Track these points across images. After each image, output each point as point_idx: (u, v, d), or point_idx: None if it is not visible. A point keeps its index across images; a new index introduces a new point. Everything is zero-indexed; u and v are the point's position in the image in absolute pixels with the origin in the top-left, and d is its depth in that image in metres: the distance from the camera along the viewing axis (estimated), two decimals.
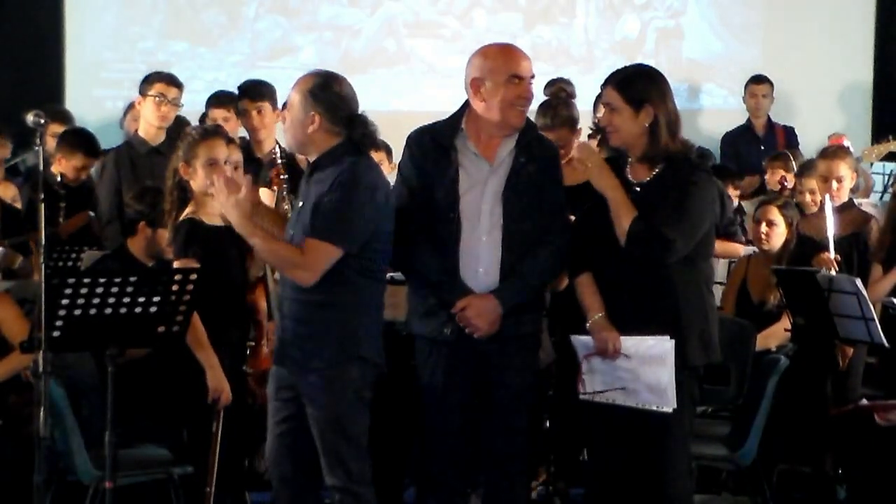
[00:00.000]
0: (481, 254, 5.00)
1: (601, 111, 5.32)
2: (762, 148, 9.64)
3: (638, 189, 4.94)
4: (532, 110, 5.30)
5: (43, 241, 4.64)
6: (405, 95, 10.18)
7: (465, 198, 5.01)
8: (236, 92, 7.46)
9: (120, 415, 4.84)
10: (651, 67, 5.16)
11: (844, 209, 6.90)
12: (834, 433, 6.28)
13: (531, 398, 5.16)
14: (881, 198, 8.19)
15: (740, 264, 6.96)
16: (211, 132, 5.95)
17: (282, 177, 5.92)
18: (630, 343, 4.89)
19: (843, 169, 7.00)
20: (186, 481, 5.64)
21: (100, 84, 10.25)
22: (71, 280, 4.67)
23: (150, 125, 7.37)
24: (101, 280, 4.68)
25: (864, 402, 6.17)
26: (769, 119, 9.92)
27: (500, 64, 5.01)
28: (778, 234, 6.68)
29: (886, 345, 5.69)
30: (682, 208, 4.85)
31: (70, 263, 6.87)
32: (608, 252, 4.91)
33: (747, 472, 6.03)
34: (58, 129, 7.77)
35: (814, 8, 10.51)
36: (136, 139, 7.42)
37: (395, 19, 10.42)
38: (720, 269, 7.09)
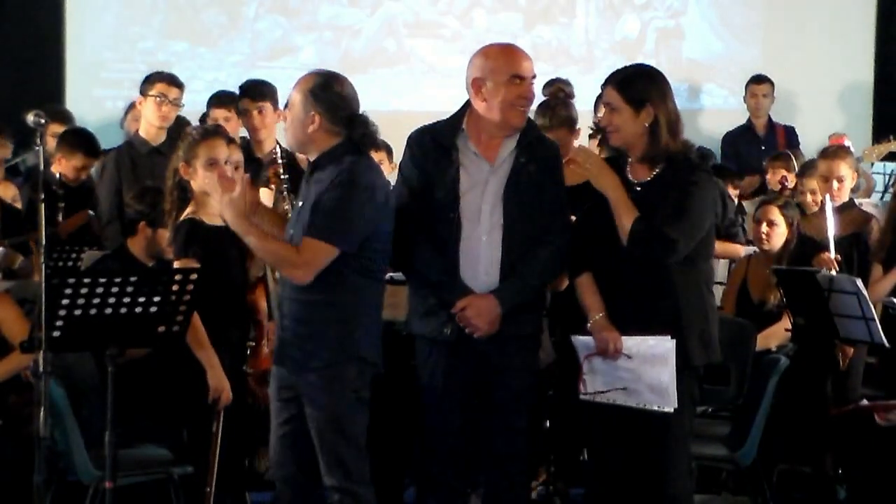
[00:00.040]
0: (481, 254, 5.00)
1: (601, 111, 5.32)
2: (763, 148, 9.64)
3: (638, 189, 4.94)
4: (531, 110, 5.30)
5: (43, 241, 4.63)
6: (405, 95, 10.17)
7: (465, 198, 5.01)
8: (237, 92, 7.46)
9: (120, 415, 4.84)
10: (651, 67, 5.16)
11: (845, 209, 6.90)
12: (834, 433, 6.28)
13: (531, 398, 5.16)
14: (882, 198, 8.19)
15: (740, 264, 6.96)
16: (211, 132, 5.95)
17: (282, 176, 5.91)
18: (631, 343, 4.89)
19: (844, 169, 7.01)
20: (186, 481, 5.64)
21: (100, 84, 10.24)
22: (71, 280, 4.67)
23: (150, 125, 7.37)
24: (102, 280, 4.68)
25: (864, 402, 6.17)
26: (770, 119, 9.92)
27: (502, 64, 5.01)
28: (778, 234, 6.67)
29: (887, 345, 5.69)
30: (684, 208, 4.86)
31: (70, 263, 6.87)
32: (608, 252, 4.91)
33: (747, 472, 6.03)
34: (58, 129, 7.76)
35: (814, 8, 10.51)
36: (137, 139, 7.42)
37: (395, 19, 10.42)
38: (720, 269, 7.09)
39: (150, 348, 5.37)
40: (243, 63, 10.10)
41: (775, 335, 6.45)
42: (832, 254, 6.38)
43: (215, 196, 4.83)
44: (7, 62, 10.04)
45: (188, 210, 5.69)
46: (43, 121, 4.68)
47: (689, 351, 4.89)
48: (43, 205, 4.68)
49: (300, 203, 4.95)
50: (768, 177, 8.41)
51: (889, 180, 8.38)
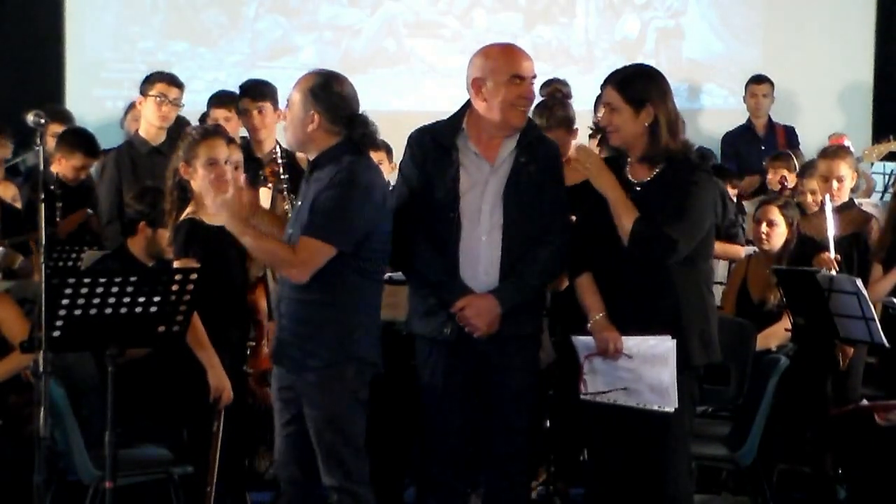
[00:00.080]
0: (481, 254, 5.00)
1: (602, 111, 5.32)
2: (762, 148, 9.64)
3: (638, 189, 4.94)
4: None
5: (43, 241, 4.63)
6: (405, 95, 10.18)
7: (465, 198, 5.01)
8: (237, 92, 7.46)
9: (120, 415, 4.84)
10: (651, 67, 5.16)
11: (845, 209, 6.90)
12: (834, 433, 6.28)
13: (531, 398, 5.15)
14: (881, 198, 8.19)
15: (740, 264, 6.95)
16: (211, 132, 5.95)
17: (282, 176, 5.91)
18: (631, 343, 4.88)
19: (844, 169, 7.01)
20: (186, 481, 5.64)
21: (100, 84, 10.25)
22: (71, 280, 4.67)
23: (150, 125, 7.37)
24: (102, 280, 4.68)
25: (864, 402, 6.16)
26: (770, 119, 9.92)
27: (502, 64, 5.01)
28: (778, 234, 6.67)
29: (887, 345, 5.69)
30: (684, 208, 4.85)
31: (70, 263, 6.87)
32: (608, 252, 4.91)
33: (747, 472, 6.02)
34: (58, 129, 7.77)
35: (814, 8, 10.51)
36: (137, 139, 7.42)
37: (395, 19, 10.42)
38: (720, 269, 7.09)
39: (150, 348, 5.37)
40: (243, 63, 10.10)
41: (775, 335, 6.44)
42: (832, 254, 6.38)
43: (209, 198, 4.84)
44: (7, 62, 10.04)
45: (188, 210, 5.69)
46: (43, 121, 4.67)
47: (689, 351, 4.89)
48: (43, 205, 4.67)
49: (299, 203, 4.96)
50: (769, 177, 8.41)
51: (889, 180, 8.38)
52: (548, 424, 6.17)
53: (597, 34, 10.51)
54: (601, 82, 5.06)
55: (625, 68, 5.06)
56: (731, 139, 9.83)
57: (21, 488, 4.93)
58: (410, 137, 5.15)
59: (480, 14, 10.42)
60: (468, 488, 5.41)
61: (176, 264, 5.56)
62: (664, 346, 4.85)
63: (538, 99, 6.15)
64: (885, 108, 10.30)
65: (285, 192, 5.83)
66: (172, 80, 7.40)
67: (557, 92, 6.68)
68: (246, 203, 4.91)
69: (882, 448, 5.92)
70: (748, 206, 8.21)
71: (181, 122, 7.38)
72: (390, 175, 7.38)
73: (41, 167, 4.82)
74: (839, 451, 6.38)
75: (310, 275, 4.76)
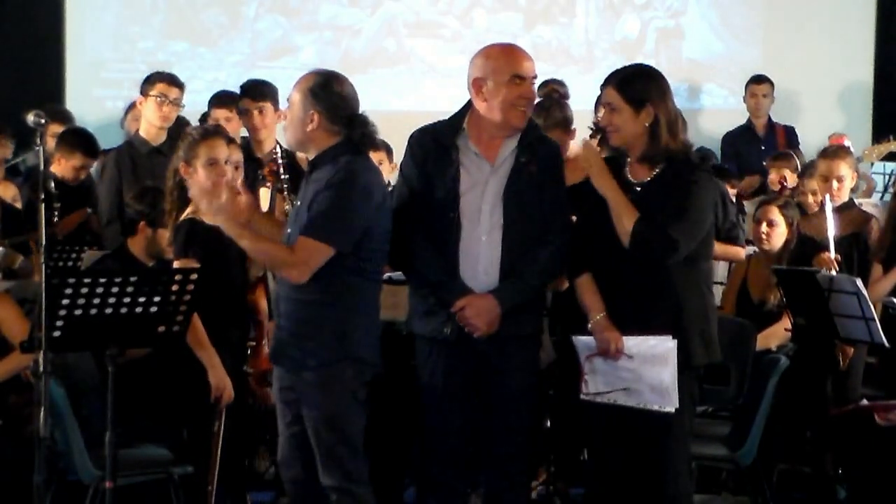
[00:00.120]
0: (481, 254, 5.00)
1: (602, 111, 5.32)
2: (762, 148, 9.64)
3: (638, 189, 4.94)
4: None
5: (43, 241, 4.63)
6: (405, 95, 10.18)
7: (465, 197, 5.01)
8: (238, 92, 7.46)
9: (120, 415, 4.84)
10: (651, 67, 5.16)
11: (845, 209, 6.90)
12: (834, 433, 6.28)
13: (531, 398, 5.15)
14: (882, 198, 8.19)
15: (740, 264, 6.95)
16: (211, 132, 5.95)
17: (282, 176, 5.91)
18: (632, 343, 4.88)
19: (844, 169, 7.01)
20: (186, 481, 5.64)
21: (100, 84, 10.25)
22: (71, 280, 4.67)
23: (151, 125, 7.37)
24: (102, 280, 4.69)
25: (864, 402, 6.17)
26: (769, 119, 9.91)
27: (503, 64, 5.00)
28: (778, 234, 6.67)
29: (887, 345, 5.69)
30: (685, 209, 4.86)
31: (70, 263, 6.87)
32: (608, 252, 4.91)
33: (747, 472, 6.02)
34: (58, 129, 7.77)
35: (814, 8, 10.51)
36: (137, 139, 7.42)
37: (395, 19, 10.42)
38: (720, 269, 7.09)
39: (150, 348, 5.36)
40: (243, 63, 10.10)
41: (775, 335, 6.44)
42: (832, 254, 6.38)
43: (203, 204, 4.85)
44: (7, 62, 10.04)
45: (188, 210, 5.69)
46: (43, 121, 4.67)
47: (690, 351, 4.89)
48: (43, 205, 4.67)
49: (298, 203, 4.96)
50: (771, 176, 8.38)
51: (889, 180, 8.38)
52: (548, 424, 6.17)
53: (597, 34, 10.51)
54: (601, 82, 5.07)
55: (625, 68, 5.06)
56: (731, 139, 9.83)
57: (21, 488, 4.93)
58: (411, 137, 5.15)
59: (480, 14, 10.42)
60: (468, 488, 5.41)
61: (176, 264, 5.57)
62: (665, 346, 4.85)
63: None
64: (885, 108, 10.30)
65: (285, 192, 5.83)
66: (173, 81, 7.40)
67: (554, 92, 6.67)
68: (243, 207, 4.91)
69: (882, 448, 5.92)
70: (748, 206, 8.21)
71: (181, 123, 7.38)
72: (390, 175, 7.39)
73: (41, 167, 4.81)
74: (839, 451, 6.37)
75: (309, 275, 4.76)
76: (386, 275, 5.51)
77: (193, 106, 7.82)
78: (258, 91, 7.25)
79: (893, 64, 10.45)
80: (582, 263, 5.01)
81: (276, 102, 7.19)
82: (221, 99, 7.66)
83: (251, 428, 6.22)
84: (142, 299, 4.75)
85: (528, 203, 5.00)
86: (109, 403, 4.81)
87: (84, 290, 4.65)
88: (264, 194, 6.07)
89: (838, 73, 10.45)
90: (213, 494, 5.63)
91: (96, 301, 4.67)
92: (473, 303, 4.95)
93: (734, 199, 8.00)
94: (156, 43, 10.31)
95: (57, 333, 4.63)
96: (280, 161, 5.86)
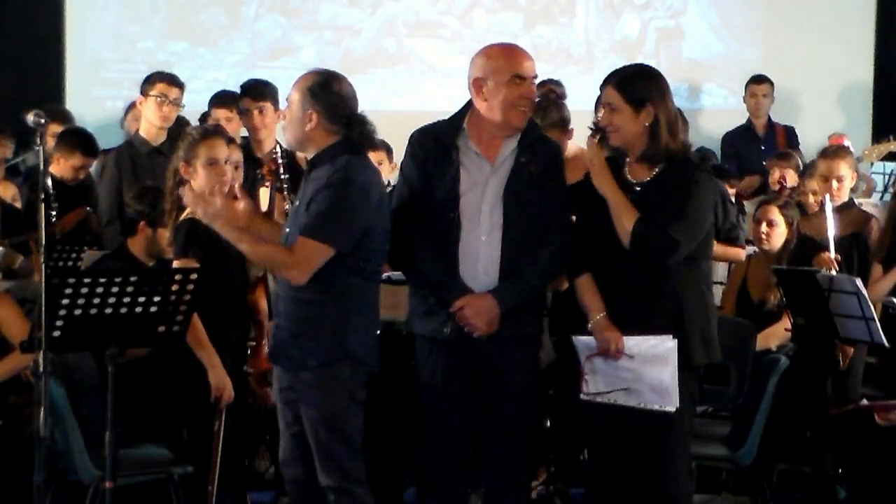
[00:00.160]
0: (481, 254, 5.00)
1: (602, 111, 5.32)
2: (762, 148, 9.64)
3: (638, 189, 4.93)
4: None
5: (43, 241, 4.63)
6: (405, 95, 10.18)
7: (465, 197, 5.01)
8: (239, 91, 7.45)
9: (120, 415, 4.84)
10: (651, 67, 5.16)
11: (845, 209, 6.91)
12: (834, 433, 6.28)
13: (531, 398, 5.15)
14: (881, 198, 8.20)
15: (740, 264, 6.95)
16: (211, 132, 5.96)
17: (282, 176, 5.91)
18: (632, 343, 4.88)
19: (844, 168, 7.02)
20: (186, 481, 5.64)
21: (100, 84, 10.25)
22: (71, 280, 4.67)
23: (151, 125, 7.37)
24: (102, 280, 4.68)
25: (864, 402, 6.17)
26: (769, 119, 9.91)
27: (503, 64, 5.00)
28: (778, 234, 6.67)
29: (887, 345, 5.69)
30: (685, 208, 4.85)
31: (70, 263, 6.87)
32: (608, 252, 4.91)
33: (747, 472, 6.02)
34: (58, 128, 7.77)
35: (814, 8, 10.51)
36: (138, 139, 7.42)
37: (395, 19, 10.42)
38: (720, 269, 7.09)
39: (150, 348, 5.37)
40: (243, 63, 10.10)
41: (775, 335, 6.44)
42: (832, 254, 6.38)
43: (198, 212, 4.86)
44: (7, 62, 10.04)
45: (188, 210, 5.68)
46: (43, 121, 4.67)
47: (690, 350, 4.88)
48: (43, 205, 4.67)
49: (297, 202, 4.96)
50: (775, 176, 8.36)
51: (889, 180, 8.39)
52: (548, 424, 6.17)
53: (597, 34, 10.51)
54: (601, 82, 5.06)
55: (624, 68, 5.06)
56: (731, 139, 9.83)
57: (21, 488, 4.93)
58: (412, 137, 5.15)
59: (480, 14, 10.42)
60: (468, 488, 5.41)
61: (176, 264, 5.57)
62: (665, 345, 4.85)
63: None
64: (885, 108, 10.30)
65: (285, 192, 5.83)
66: (173, 81, 7.40)
67: (551, 93, 6.65)
68: (242, 213, 4.92)
69: (882, 448, 5.92)
70: (748, 206, 8.21)
71: (181, 123, 7.38)
72: (390, 175, 7.40)
73: (41, 167, 4.81)
74: (839, 451, 6.37)
75: (309, 276, 4.76)
76: (386, 275, 5.52)
77: (193, 106, 7.82)
78: (258, 91, 7.25)
79: (893, 64, 10.45)
80: (582, 263, 5.00)
81: (276, 102, 7.19)
82: (222, 99, 7.66)
83: (251, 428, 6.22)
84: (142, 299, 4.74)
85: (528, 203, 5.00)
86: (109, 403, 4.80)
87: (84, 290, 4.65)
88: (264, 193, 6.07)
89: (838, 73, 10.45)
90: (213, 494, 5.63)
91: (96, 301, 4.67)
92: (473, 303, 4.95)
93: (734, 200, 8.00)
94: (156, 43, 10.31)
95: (57, 333, 4.62)
96: (280, 161, 5.86)
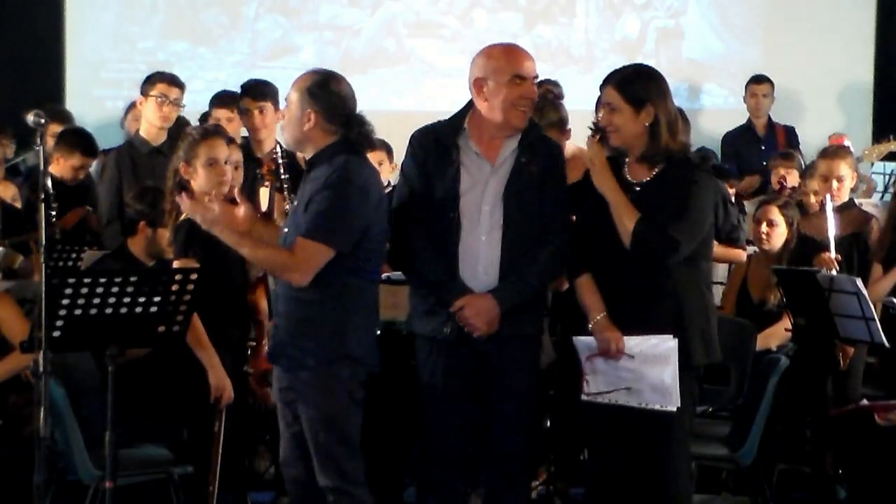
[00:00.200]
0: (480, 254, 5.00)
1: (602, 111, 5.32)
2: (763, 148, 9.65)
3: (638, 189, 4.93)
4: None
5: (43, 241, 4.63)
6: (405, 95, 10.18)
7: (465, 197, 5.01)
8: (239, 91, 7.45)
9: (120, 415, 4.84)
10: (650, 67, 5.16)
11: (845, 209, 6.91)
12: (834, 433, 6.28)
13: (531, 398, 5.15)
14: (882, 198, 8.20)
15: (740, 264, 6.95)
16: (211, 132, 5.96)
17: (282, 176, 5.91)
18: (633, 343, 4.88)
19: (844, 168, 7.01)
20: (186, 481, 5.64)
21: (100, 84, 10.25)
22: (71, 280, 4.67)
23: (151, 125, 7.37)
24: (102, 280, 4.68)
25: (864, 402, 6.17)
26: (770, 119, 9.91)
27: (503, 64, 5.00)
28: (778, 234, 6.67)
29: (887, 345, 5.69)
30: (685, 208, 4.85)
31: (70, 263, 6.87)
32: (608, 252, 4.90)
33: (747, 472, 6.02)
34: (57, 128, 7.77)
35: (814, 8, 10.51)
36: (138, 139, 7.41)
37: (395, 19, 10.42)
38: (720, 269, 7.08)
39: (150, 348, 5.37)
40: (243, 63, 10.11)
41: (775, 335, 6.44)
42: (832, 254, 6.38)
43: (197, 218, 4.86)
44: (7, 62, 10.04)
45: None
46: (43, 121, 4.67)
47: (690, 350, 4.88)
48: (43, 205, 4.67)
49: (295, 202, 4.96)
50: (783, 176, 8.34)
51: (889, 180, 8.39)
52: (548, 424, 6.17)
53: (597, 34, 10.51)
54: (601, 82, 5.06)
55: (624, 68, 5.06)
56: (731, 139, 9.83)
57: (21, 488, 4.93)
58: (412, 137, 5.15)
59: (480, 14, 10.42)
60: (468, 488, 5.41)
61: (176, 264, 5.57)
62: (666, 345, 4.85)
63: None
64: (885, 108, 10.30)
65: (285, 192, 5.83)
66: (173, 81, 7.40)
67: (549, 93, 6.64)
68: (242, 218, 4.92)
69: (882, 448, 5.92)
70: (748, 206, 8.20)
71: (181, 122, 7.38)
72: (391, 175, 7.40)
73: (41, 167, 4.81)
74: (839, 451, 6.37)
75: (311, 277, 4.75)
76: (386, 275, 5.52)
77: (193, 106, 7.83)
78: (259, 91, 7.25)
79: (893, 64, 10.45)
80: (582, 263, 5.00)
81: (276, 102, 7.19)
82: (223, 99, 7.66)
83: (251, 428, 6.22)
84: (142, 299, 4.74)
85: (529, 203, 5.00)
86: (109, 403, 4.80)
87: (84, 290, 4.65)
88: (264, 193, 6.07)
89: (838, 73, 10.45)
90: (213, 495, 5.63)
91: (96, 301, 4.67)
92: (472, 302, 4.95)
93: (734, 199, 8.00)
94: (156, 43, 10.32)
95: (57, 333, 4.62)
96: (280, 161, 5.86)
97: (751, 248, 6.99)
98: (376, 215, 4.85)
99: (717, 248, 6.26)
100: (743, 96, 9.95)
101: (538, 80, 5.18)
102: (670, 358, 4.84)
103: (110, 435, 4.80)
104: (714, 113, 10.38)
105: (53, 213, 6.83)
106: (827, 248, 6.43)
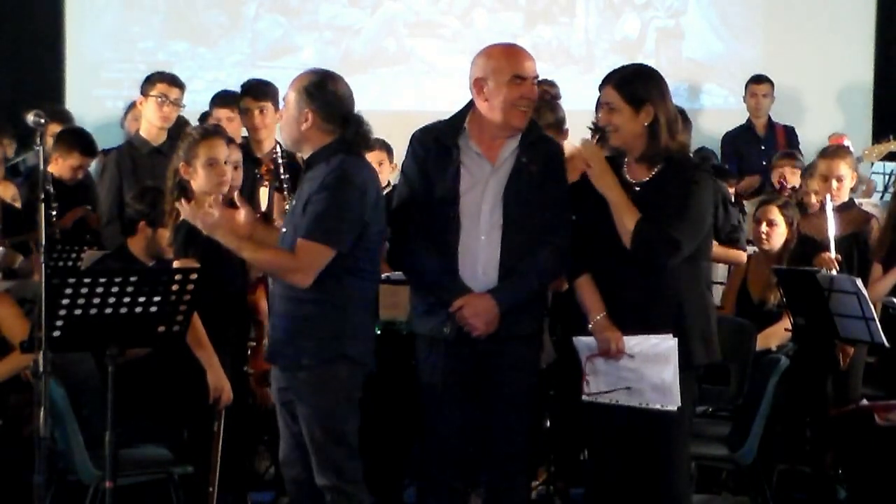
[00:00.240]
0: (480, 253, 5.00)
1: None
2: (763, 148, 9.65)
3: (637, 189, 4.93)
4: None
5: (43, 241, 4.63)
6: (405, 95, 10.18)
7: (465, 197, 5.00)
8: (240, 91, 7.45)
9: (120, 415, 4.84)
10: (649, 67, 5.16)
11: (845, 209, 6.91)
12: (834, 433, 6.28)
13: (531, 398, 5.15)
14: (882, 198, 8.19)
15: (740, 264, 6.95)
16: (211, 132, 5.96)
17: (282, 176, 5.91)
18: (633, 342, 4.88)
19: (843, 168, 7.02)
20: (186, 481, 5.64)
21: (100, 84, 10.25)
22: (71, 280, 4.67)
23: (151, 125, 7.36)
24: (102, 280, 4.68)
25: (864, 402, 6.17)
26: (770, 119, 9.91)
27: (504, 64, 5.00)
28: (778, 234, 6.67)
29: (887, 345, 5.69)
30: (686, 209, 4.85)
31: (70, 263, 6.87)
32: (608, 252, 4.90)
33: (747, 472, 6.02)
34: (57, 128, 7.77)
35: (814, 8, 10.51)
36: (138, 139, 7.41)
37: (395, 19, 10.42)
38: (720, 269, 7.09)
39: (150, 348, 5.36)
40: (243, 63, 10.11)
41: (775, 335, 6.44)
42: (832, 254, 6.38)
43: (198, 224, 4.86)
44: (7, 62, 10.04)
45: None
46: (43, 121, 4.67)
47: (690, 350, 4.88)
48: (43, 205, 4.67)
49: (294, 202, 4.96)
50: (783, 175, 8.34)
51: (889, 180, 8.38)
52: (548, 424, 6.17)
53: (597, 34, 10.51)
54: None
55: (623, 68, 5.05)
56: (731, 139, 9.83)
57: (21, 488, 4.93)
58: (413, 137, 5.15)
59: (480, 14, 10.42)
60: (468, 488, 5.41)
61: (176, 264, 5.57)
62: (666, 344, 4.84)
63: None
64: (885, 108, 10.30)
65: (285, 192, 5.83)
66: (173, 81, 7.39)
67: (546, 94, 6.64)
68: (243, 222, 4.93)
69: (882, 448, 5.92)
70: (748, 206, 8.21)
71: (181, 122, 7.37)
72: (391, 175, 7.40)
73: (41, 167, 4.81)
74: (839, 451, 6.38)
75: (313, 278, 4.75)
76: (385, 275, 5.52)
77: (193, 106, 7.82)
78: (260, 91, 7.25)
79: (893, 64, 10.45)
80: (581, 263, 5.00)
81: (277, 102, 7.18)
82: (224, 99, 7.66)
83: (251, 428, 6.22)
84: (142, 299, 4.74)
85: (529, 203, 5.00)
86: (109, 403, 4.81)
87: (84, 290, 4.65)
88: (263, 193, 6.07)
89: (838, 73, 10.45)
90: (213, 495, 5.63)
91: (96, 301, 4.67)
92: (471, 302, 4.94)
93: (734, 200, 8.00)
94: (156, 43, 10.32)
95: (57, 333, 4.62)
96: (280, 161, 5.86)
97: (751, 248, 6.99)
98: (374, 215, 4.85)
99: (717, 249, 6.26)
100: (743, 96, 9.95)
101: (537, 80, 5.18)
102: (670, 357, 4.84)
103: (110, 435, 4.80)
104: (714, 113, 10.38)
105: (54, 213, 6.87)
106: (827, 248, 6.43)
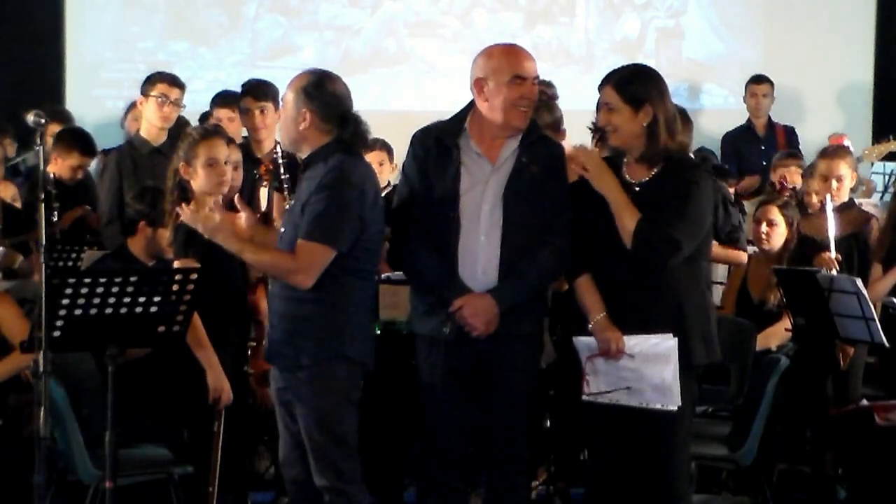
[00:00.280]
0: (480, 254, 5.00)
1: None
2: (763, 148, 9.65)
3: (637, 189, 4.93)
4: None
5: (43, 241, 4.63)
6: (405, 95, 10.18)
7: (465, 197, 5.00)
8: (240, 91, 7.45)
9: (120, 415, 4.84)
10: (649, 67, 5.16)
11: (845, 209, 6.91)
12: (834, 433, 6.28)
13: (531, 398, 5.15)
14: (881, 198, 8.20)
15: (741, 264, 6.95)
16: (211, 132, 5.96)
17: (282, 176, 5.91)
18: (633, 342, 4.88)
19: (843, 168, 7.02)
20: (186, 481, 5.64)
21: (100, 84, 10.25)
22: (71, 280, 4.67)
23: (152, 125, 7.36)
24: (102, 280, 4.69)
25: (864, 402, 6.17)
26: (770, 119, 9.91)
27: (504, 64, 5.00)
28: (778, 234, 6.67)
29: (887, 345, 5.69)
30: (686, 209, 4.85)
31: (70, 263, 6.87)
32: (608, 252, 4.90)
33: (747, 472, 6.02)
34: (57, 128, 7.77)
35: (814, 8, 10.51)
36: (138, 139, 7.41)
37: (395, 19, 10.42)
38: (720, 269, 7.09)
39: (150, 348, 5.37)
40: (243, 63, 10.11)
41: (775, 335, 6.44)
42: (832, 254, 6.38)
43: (199, 227, 4.86)
44: (7, 62, 10.04)
45: None
46: (43, 121, 4.67)
47: (690, 350, 4.88)
48: (43, 205, 4.67)
49: (292, 202, 4.96)
50: (783, 175, 8.34)
51: (889, 180, 8.39)
52: (548, 424, 6.17)
53: (597, 34, 10.51)
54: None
55: (623, 68, 5.05)
56: (731, 139, 9.83)
57: (21, 488, 4.93)
58: (413, 137, 5.15)
59: (480, 14, 10.42)
60: (468, 488, 5.41)
61: (176, 264, 5.57)
62: (666, 344, 4.84)
63: None
64: (885, 108, 10.30)
65: (285, 192, 5.83)
66: (174, 81, 7.39)
67: (543, 94, 6.63)
68: (244, 225, 4.93)
69: (882, 448, 5.92)
70: (748, 206, 8.21)
71: (181, 123, 7.38)
72: (391, 175, 7.40)
73: (41, 167, 4.81)
74: (839, 451, 6.38)
75: (315, 279, 4.75)
76: (386, 275, 5.51)
77: (193, 106, 7.82)
78: (261, 91, 7.25)
79: (893, 64, 10.45)
80: (581, 263, 5.00)
81: (277, 103, 7.17)
82: (224, 99, 7.66)
83: (251, 428, 6.22)
84: (142, 299, 4.75)
85: (529, 203, 5.00)
86: (109, 403, 4.81)
87: (84, 290, 4.65)
88: (263, 193, 6.07)
89: (838, 73, 10.45)
90: (213, 495, 5.63)
91: (96, 301, 4.67)
92: (471, 302, 4.94)
93: (734, 200, 8.00)
94: (156, 43, 10.31)
95: (57, 333, 4.62)
96: (280, 161, 5.86)
97: (751, 248, 6.99)
98: (372, 214, 4.85)
99: (717, 249, 6.26)
100: (743, 96, 9.95)
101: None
102: (670, 357, 4.84)
103: (110, 435, 4.81)
104: (714, 113, 10.38)
105: (54, 213, 6.88)
106: (827, 248, 6.43)
